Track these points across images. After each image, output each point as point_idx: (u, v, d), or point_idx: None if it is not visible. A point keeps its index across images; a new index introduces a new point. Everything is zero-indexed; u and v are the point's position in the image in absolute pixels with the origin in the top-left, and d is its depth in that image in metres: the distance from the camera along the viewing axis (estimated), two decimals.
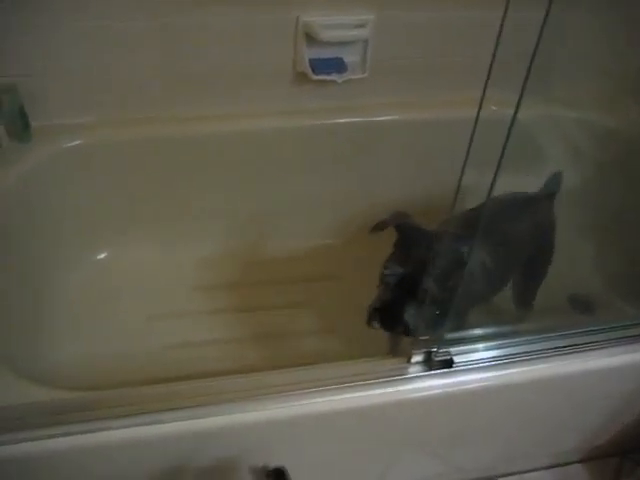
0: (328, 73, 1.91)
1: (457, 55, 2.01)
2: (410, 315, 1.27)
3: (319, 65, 1.90)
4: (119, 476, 1.29)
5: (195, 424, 1.19)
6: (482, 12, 1.84)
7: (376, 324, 1.31)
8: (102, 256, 2.04)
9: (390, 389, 1.24)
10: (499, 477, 1.73)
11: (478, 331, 1.33)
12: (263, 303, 1.97)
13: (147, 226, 2.04)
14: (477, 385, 1.32)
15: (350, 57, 1.94)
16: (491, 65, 0.81)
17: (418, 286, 1.25)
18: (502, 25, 0.76)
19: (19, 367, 1.30)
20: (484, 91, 0.83)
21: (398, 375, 1.25)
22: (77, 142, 1.84)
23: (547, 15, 0.76)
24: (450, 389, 1.29)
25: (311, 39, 1.86)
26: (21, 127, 1.77)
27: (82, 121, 1.85)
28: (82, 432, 1.17)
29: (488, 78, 0.82)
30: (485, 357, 1.30)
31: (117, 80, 1.83)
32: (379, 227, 1.37)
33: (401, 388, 1.26)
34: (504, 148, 0.88)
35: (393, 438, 1.42)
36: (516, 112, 0.85)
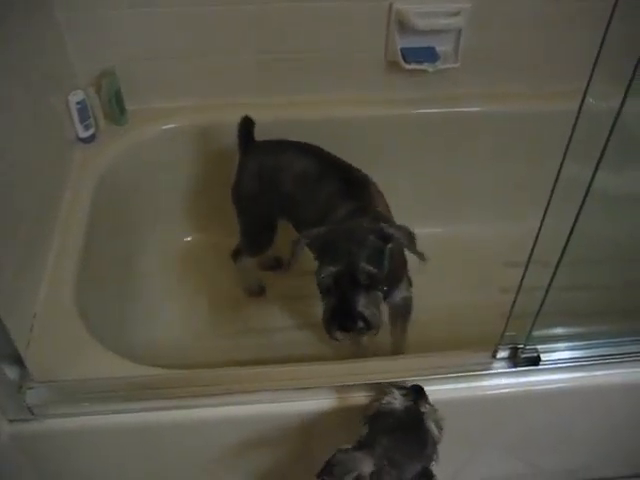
0: (420, 62, 1.90)
1: (551, 46, 1.96)
2: (364, 305, 1.26)
3: (411, 54, 1.90)
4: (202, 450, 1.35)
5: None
6: (580, 3, 1.82)
7: (339, 334, 1.30)
8: (189, 239, 2.12)
9: (474, 384, 1.25)
10: None
11: (568, 329, 1.30)
12: None
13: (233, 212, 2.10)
14: (563, 385, 1.31)
15: (442, 46, 1.93)
16: (597, 56, 0.79)
17: (356, 277, 1.26)
18: (612, 15, 0.74)
19: (107, 342, 1.38)
20: (589, 81, 0.82)
21: (483, 370, 1.26)
22: (171, 126, 1.92)
23: None
24: (535, 387, 1.29)
25: (404, 27, 1.86)
26: (117, 111, 1.87)
27: (176, 105, 1.93)
28: (169, 408, 1.24)
29: (593, 69, 0.81)
30: (574, 357, 1.28)
31: (212, 66, 1.89)
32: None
33: (485, 383, 1.26)
34: (606, 142, 0.87)
35: (472, 434, 1.42)
36: (621, 107, 0.83)
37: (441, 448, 1.13)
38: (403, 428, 1.10)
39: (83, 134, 1.81)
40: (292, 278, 1.99)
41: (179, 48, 1.84)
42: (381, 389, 1.19)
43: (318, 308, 1.88)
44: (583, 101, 0.84)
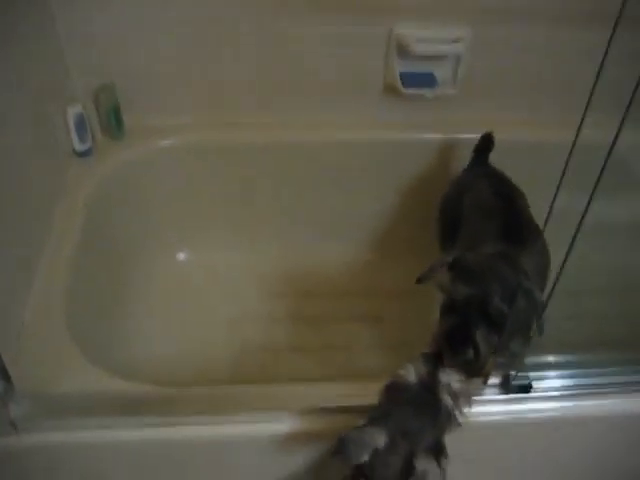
0: (418, 87, 1.95)
1: (549, 76, 2.00)
2: (481, 337, 1.24)
3: (409, 79, 1.94)
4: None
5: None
6: (579, 33, 1.85)
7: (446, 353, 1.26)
8: (182, 256, 2.15)
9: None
10: None
11: (560, 358, 1.33)
12: (338, 314, 2.03)
13: (228, 229, 2.13)
14: (554, 414, 1.32)
15: (441, 72, 1.97)
16: (593, 88, 0.83)
17: (486, 307, 1.24)
18: (608, 47, 0.78)
19: (94, 357, 1.39)
20: (584, 113, 0.86)
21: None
22: (167, 142, 1.95)
23: None
24: (526, 415, 1.30)
25: (403, 52, 1.90)
26: (115, 125, 1.89)
27: (174, 123, 1.95)
28: (154, 425, 1.25)
29: (589, 101, 0.84)
30: (566, 385, 1.30)
31: (211, 84, 1.93)
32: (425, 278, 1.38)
33: (475, 410, 1.27)
34: (601, 173, 0.90)
35: (459, 462, 1.43)
36: (616, 138, 0.86)
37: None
38: (414, 400, 1.12)
39: (80, 147, 1.83)
40: (297, 300, 2.05)
41: (180, 65, 1.88)
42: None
43: (320, 333, 1.96)
44: (578, 133, 0.87)
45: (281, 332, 1.96)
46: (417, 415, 1.11)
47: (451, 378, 1.16)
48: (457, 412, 1.15)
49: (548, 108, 2.04)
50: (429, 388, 1.14)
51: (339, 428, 1.21)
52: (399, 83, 1.93)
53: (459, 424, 1.16)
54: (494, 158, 1.99)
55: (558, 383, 1.30)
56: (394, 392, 1.15)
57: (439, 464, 1.10)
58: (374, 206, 2.15)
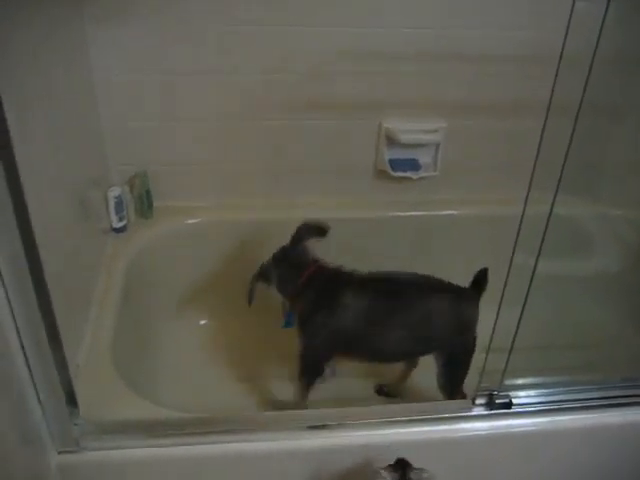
0: (404, 171, 2.37)
1: (516, 158, 2.34)
2: None
3: (397, 164, 2.37)
4: None
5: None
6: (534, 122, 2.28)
7: None
8: (203, 322, 2.48)
9: (457, 426, 1.59)
10: None
11: (533, 379, 1.67)
12: None
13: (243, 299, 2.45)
14: (534, 428, 1.63)
15: (424, 158, 2.40)
16: (534, 169, 1.22)
17: None
18: (543, 132, 1.15)
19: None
20: (529, 189, 1.25)
21: (463, 413, 1.60)
22: (192, 221, 2.33)
23: (576, 122, 1.13)
24: (509, 430, 1.62)
25: (391, 142, 2.33)
26: (147, 206, 2.27)
27: (197, 204, 2.35)
28: (194, 444, 1.54)
29: (531, 180, 1.24)
30: (540, 401, 1.62)
31: (226, 172, 2.34)
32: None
33: (465, 426, 1.60)
34: (543, 238, 1.28)
35: (451, 473, 1.66)
36: (552, 208, 1.25)
37: None
38: None
39: (117, 224, 2.19)
40: None
41: (199, 156, 2.28)
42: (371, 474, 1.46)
43: None
44: (525, 204, 1.26)
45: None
46: None
47: (420, 476, 1.41)
48: None
49: (516, 186, 2.43)
50: None
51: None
52: (388, 168, 2.35)
53: None
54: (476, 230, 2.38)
55: (534, 400, 1.62)
56: None
57: None
58: None
